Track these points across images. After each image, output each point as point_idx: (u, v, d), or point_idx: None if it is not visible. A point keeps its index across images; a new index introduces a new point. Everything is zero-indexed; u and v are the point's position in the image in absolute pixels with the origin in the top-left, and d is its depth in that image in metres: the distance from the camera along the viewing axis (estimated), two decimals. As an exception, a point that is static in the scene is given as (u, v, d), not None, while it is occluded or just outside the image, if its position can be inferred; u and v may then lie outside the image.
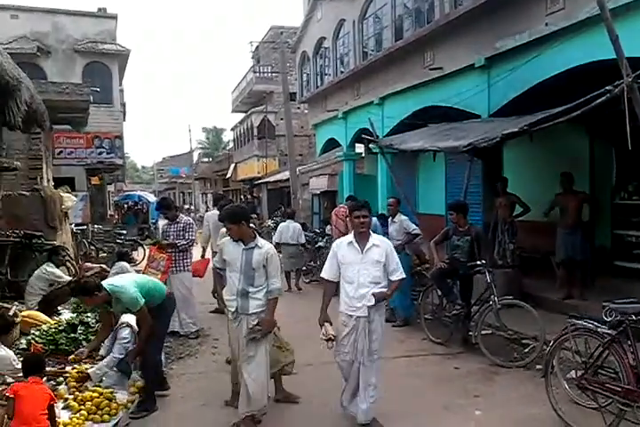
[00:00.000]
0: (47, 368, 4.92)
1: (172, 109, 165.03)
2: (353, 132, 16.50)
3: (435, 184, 14.31)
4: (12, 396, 3.99)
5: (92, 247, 14.30)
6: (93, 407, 4.97)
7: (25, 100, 6.18)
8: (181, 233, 7.93)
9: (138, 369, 5.47)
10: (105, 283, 5.20)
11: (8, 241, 8.77)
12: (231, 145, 45.22)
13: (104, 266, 8.70)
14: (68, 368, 5.70)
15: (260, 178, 31.91)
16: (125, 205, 27.83)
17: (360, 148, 18.18)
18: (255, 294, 4.77)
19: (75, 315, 7.28)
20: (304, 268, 12.58)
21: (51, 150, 14.81)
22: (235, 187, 40.78)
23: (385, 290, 4.74)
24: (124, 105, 24.93)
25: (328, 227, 15.14)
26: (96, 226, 17.32)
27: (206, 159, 57.14)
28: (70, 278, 8.07)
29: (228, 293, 4.89)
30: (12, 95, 5.81)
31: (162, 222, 10.09)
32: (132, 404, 5.24)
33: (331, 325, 4.75)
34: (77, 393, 5.20)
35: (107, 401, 5.08)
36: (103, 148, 18.81)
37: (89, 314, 7.17)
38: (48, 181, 12.28)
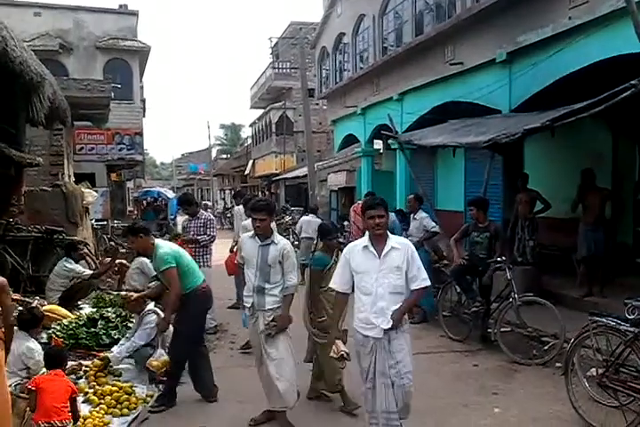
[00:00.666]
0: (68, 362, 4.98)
1: (190, 106, 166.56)
2: (372, 128, 16.42)
3: (453, 180, 14.20)
4: (33, 389, 4.05)
5: (112, 243, 14.40)
6: (113, 401, 5.04)
7: (48, 96, 6.20)
8: (202, 229, 7.96)
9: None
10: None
11: (30, 236, 8.86)
12: (249, 141, 45.29)
13: (124, 261, 8.74)
14: (88, 362, 5.78)
15: (277, 174, 31.93)
16: (145, 201, 27.97)
17: (378, 144, 18.11)
18: (271, 291, 4.78)
19: (95, 309, 7.36)
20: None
21: (72, 147, 14.94)
22: (252, 183, 40.82)
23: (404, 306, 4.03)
24: (143, 101, 25.05)
25: (345, 223, 15.16)
26: (116, 221, 17.45)
27: (224, 156, 57.30)
28: (91, 272, 8.17)
29: (245, 289, 4.91)
30: (36, 92, 5.84)
31: (181, 218, 10.13)
32: (152, 398, 5.29)
33: (344, 343, 4.22)
34: (97, 387, 5.26)
35: (126, 395, 5.15)
36: (123, 144, 18.92)
37: (109, 309, 7.24)
38: (69, 176, 12.38)
